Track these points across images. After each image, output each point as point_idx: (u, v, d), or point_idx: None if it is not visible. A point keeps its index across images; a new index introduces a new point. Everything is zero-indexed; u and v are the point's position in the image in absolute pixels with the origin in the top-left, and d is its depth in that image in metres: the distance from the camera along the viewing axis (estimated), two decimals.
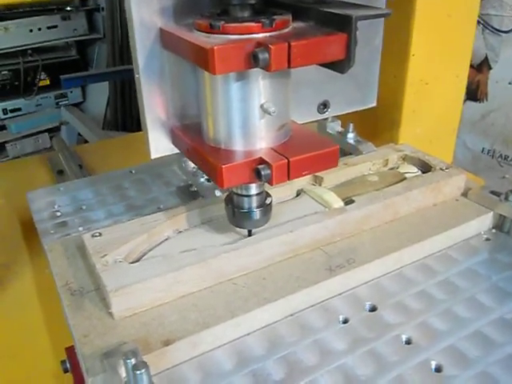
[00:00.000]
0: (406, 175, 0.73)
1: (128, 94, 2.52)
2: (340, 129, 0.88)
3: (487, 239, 0.67)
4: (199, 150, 0.55)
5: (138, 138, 0.71)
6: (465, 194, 0.72)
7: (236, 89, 0.51)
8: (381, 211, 0.66)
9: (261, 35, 0.48)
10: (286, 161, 0.51)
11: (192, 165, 0.78)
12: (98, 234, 0.59)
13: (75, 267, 0.59)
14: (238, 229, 0.61)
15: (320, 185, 0.70)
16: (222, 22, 0.48)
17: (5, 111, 2.13)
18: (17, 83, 2.12)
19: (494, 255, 0.64)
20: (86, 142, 2.03)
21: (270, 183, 0.52)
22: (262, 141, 0.54)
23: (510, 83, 1.57)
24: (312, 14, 0.51)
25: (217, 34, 0.48)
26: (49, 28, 1.97)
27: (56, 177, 1.08)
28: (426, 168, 0.75)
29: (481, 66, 1.59)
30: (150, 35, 0.54)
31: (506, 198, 0.67)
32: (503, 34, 1.51)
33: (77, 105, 2.32)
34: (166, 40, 0.54)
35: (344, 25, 0.47)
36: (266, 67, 0.45)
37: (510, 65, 1.56)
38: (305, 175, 0.53)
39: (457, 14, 0.90)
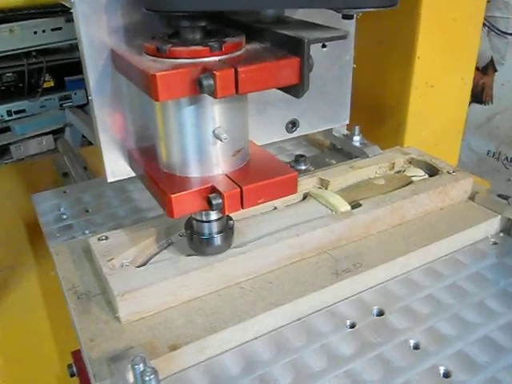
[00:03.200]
0: (413, 178, 0.73)
1: None
2: (346, 132, 0.88)
3: (495, 243, 0.67)
4: (151, 175, 0.53)
5: None
6: (472, 198, 0.71)
7: (187, 113, 0.48)
8: (388, 215, 0.65)
9: (210, 59, 0.45)
10: (239, 189, 0.48)
11: None
12: (104, 238, 0.59)
13: (81, 270, 0.59)
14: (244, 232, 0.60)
15: (326, 188, 0.70)
16: (169, 46, 0.45)
17: (9, 113, 2.13)
18: (21, 85, 2.11)
19: (502, 259, 0.64)
20: (90, 143, 2.03)
21: (223, 212, 0.49)
22: (215, 167, 0.51)
23: None
24: (267, 35, 0.49)
25: (164, 58, 0.45)
26: (53, 30, 1.96)
27: (61, 179, 1.08)
28: (432, 171, 0.75)
29: (486, 69, 1.58)
30: (102, 56, 0.52)
31: None
32: (509, 37, 1.50)
33: (81, 106, 2.31)
34: (116, 62, 0.52)
35: (296, 48, 0.44)
36: (212, 94, 0.43)
37: None
38: (260, 203, 0.50)
39: (462, 17, 0.90)
